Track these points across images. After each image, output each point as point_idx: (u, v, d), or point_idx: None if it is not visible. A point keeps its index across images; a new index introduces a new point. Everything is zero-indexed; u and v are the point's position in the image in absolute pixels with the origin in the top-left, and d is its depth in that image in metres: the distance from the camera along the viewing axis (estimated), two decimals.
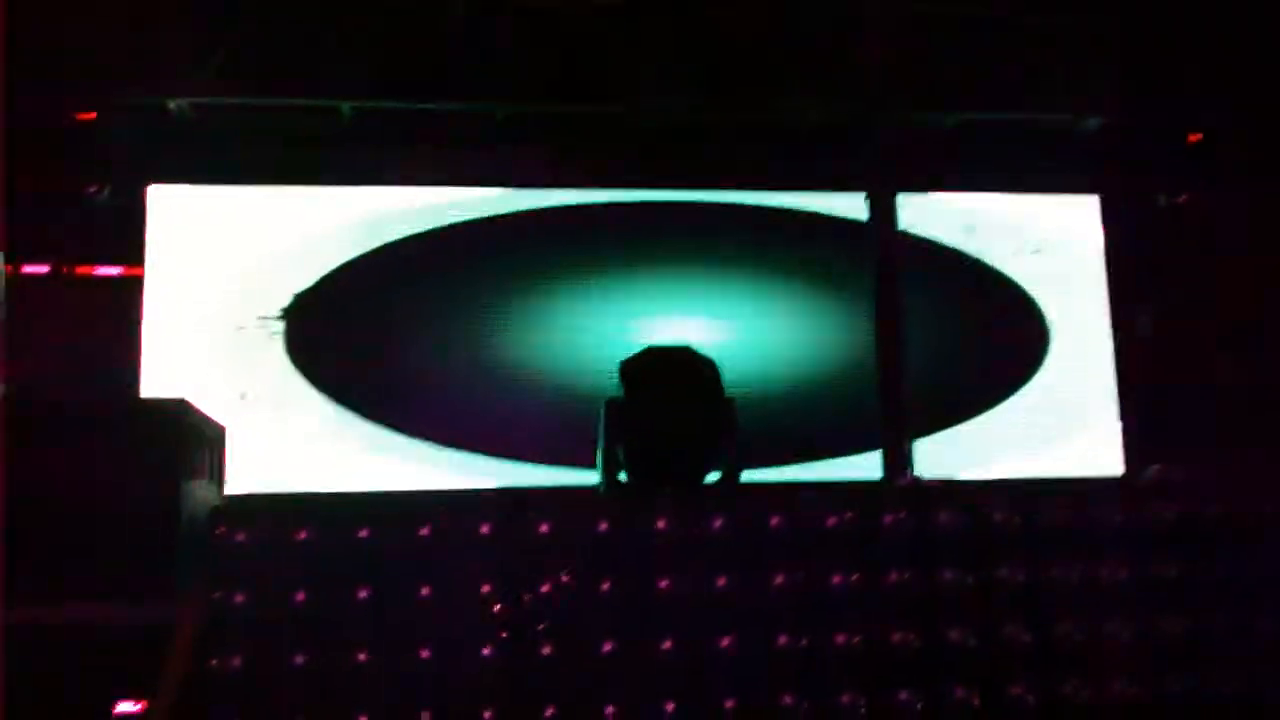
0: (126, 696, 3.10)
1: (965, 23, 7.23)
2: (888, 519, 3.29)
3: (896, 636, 3.21)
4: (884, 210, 6.90)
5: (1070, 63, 7.47)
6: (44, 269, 7.09)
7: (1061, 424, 7.69)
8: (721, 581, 3.24)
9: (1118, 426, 7.68)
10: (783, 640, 3.19)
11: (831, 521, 3.28)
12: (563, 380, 7.14)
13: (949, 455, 7.41)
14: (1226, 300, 7.49)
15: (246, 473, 6.52)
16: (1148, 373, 7.62)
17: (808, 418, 7.29)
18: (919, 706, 3.15)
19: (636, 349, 4.01)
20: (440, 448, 7.14)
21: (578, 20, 7.05)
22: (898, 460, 6.25)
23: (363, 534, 3.22)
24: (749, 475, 4.25)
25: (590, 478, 4.10)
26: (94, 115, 6.86)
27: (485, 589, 3.19)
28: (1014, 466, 7.55)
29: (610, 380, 4.13)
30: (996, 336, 7.77)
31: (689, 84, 7.09)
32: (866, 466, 7.02)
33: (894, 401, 6.65)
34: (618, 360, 4.16)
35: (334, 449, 7.03)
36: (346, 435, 7.06)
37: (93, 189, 6.91)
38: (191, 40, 6.81)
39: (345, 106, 7.16)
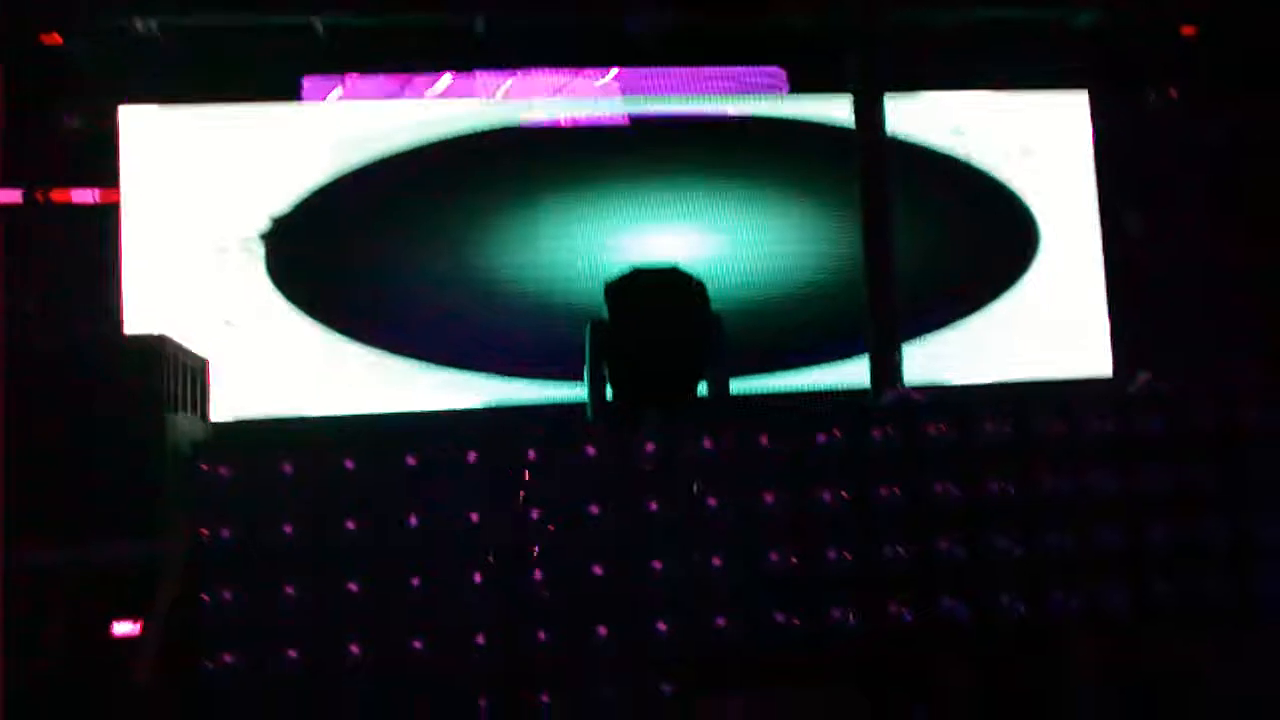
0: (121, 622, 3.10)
1: None
2: (876, 434, 3.28)
3: (886, 551, 3.22)
4: (871, 113, 6.79)
5: None
6: (16, 196, 6.97)
7: (1050, 327, 7.68)
8: (711, 502, 3.23)
9: (1106, 328, 7.66)
10: (773, 558, 3.19)
11: (820, 438, 3.27)
12: (547, 296, 7.09)
13: (937, 361, 7.41)
14: (1217, 199, 7.42)
15: (233, 399, 6.50)
16: (1137, 274, 7.58)
17: (797, 326, 7.25)
18: (907, 619, 3.17)
19: (622, 269, 3.95)
20: (427, 366, 7.11)
21: None
22: (886, 368, 6.24)
23: (348, 464, 3.20)
24: (738, 386, 4.23)
25: (577, 393, 4.08)
26: (59, 38, 6.68)
27: (474, 517, 3.18)
28: (1002, 371, 7.54)
29: (594, 295, 4.09)
30: (985, 239, 7.71)
31: None
32: (856, 374, 7.01)
33: (882, 308, 6.62)
34: (602, 277, 4.11)
35: (320, 371, 6.99)
36: (332, 357, 7.01)
37: (64, 113, 6.76)
38: None
39: (318, 22, 6.98)
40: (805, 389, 7.11)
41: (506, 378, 7.07)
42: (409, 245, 7.13)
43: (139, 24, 6.79)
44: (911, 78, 7.37)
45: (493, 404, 7.06)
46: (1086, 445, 3.30)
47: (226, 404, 6.01)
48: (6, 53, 6.49)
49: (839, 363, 7.25)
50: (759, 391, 6.79)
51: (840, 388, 7.08)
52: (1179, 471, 3.28)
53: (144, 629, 2.95)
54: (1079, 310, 7.67)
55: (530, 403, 7.03)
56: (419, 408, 6.99)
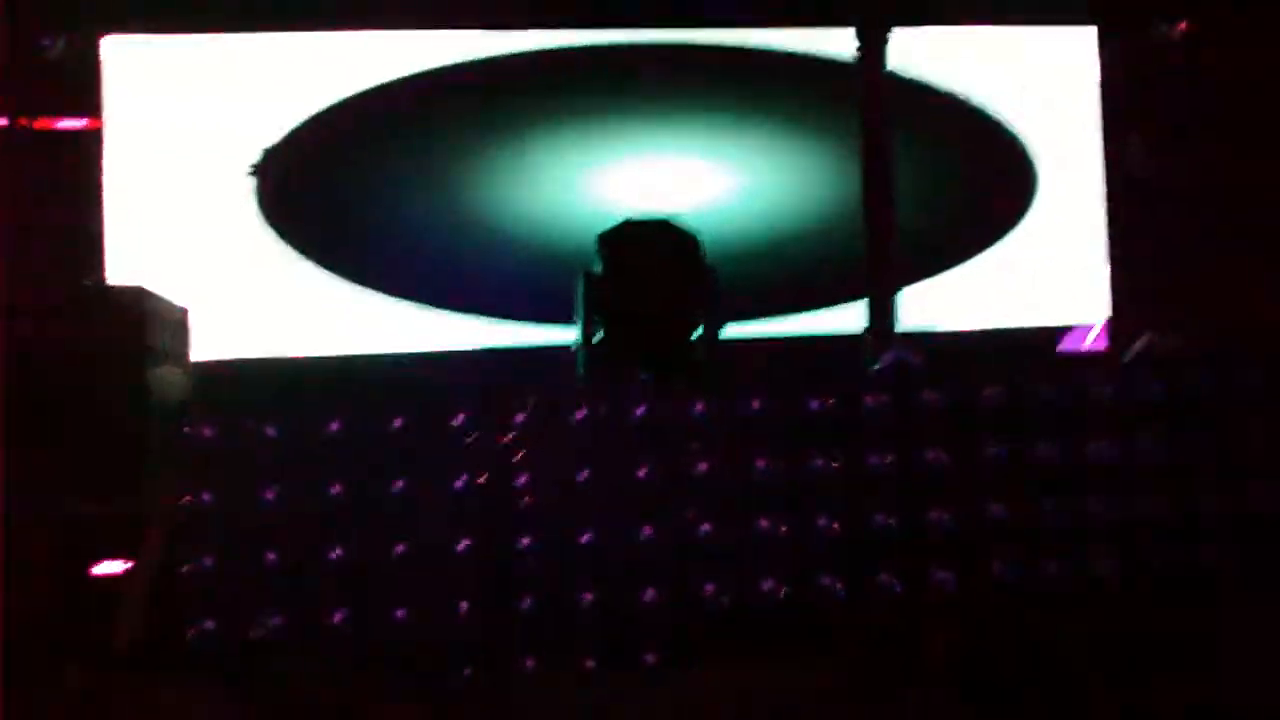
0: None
1: None
2: (869, 401, 3.23)
3: (878, 519, 3.19)
4: (873, 46, 6.62)
5: None
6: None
7: (1049, 268, 7.58)
8: (703, 467, 3.20)
9: (1106, 271, 7.56)
10: (763, 524, 3.17)
11: (814, 405, 3.22)
12: (542, 237, 6.99)
13: (933, 304, 7.33)
14: (1227, 136, 7.26)
15: (221, 338, 6.42)
16: (1140, 214, 7.46)
17: (792, 268, 7.16)
18: (897, 589, 3.15)
19: (615, 220, 3.87)
20: (418, 306, 7.03)
21: None
22: (884, 312, 6.16)
23: (334, 426, 3.16)
24: (733, 331, 4.17)
25: (569, 336, 4.00)
26: None
27: (459, 482, 3.14)
28: (1000, 315, 7.46)
29: (586, 236, 4.01)
30: (984, 178, 7.58)
31: None
32: (851, 319, 6.93)
33: (880, 249, 6.53)
34: (597, 226, 4.03)
35: (310, 309, 6.91)
36: (323, 295, 6.93)
37: (44, 41, 6.58)
38: None
39: None
40: (799, 335, 7.04)
41: (500, 319, 7.00)
42: (401, 181, 7.00)
43: None
44: (913, 11, 7.18)
45: (482, 348, 6.99)
46: (1084, 412, 3.26)
47: (210, 343, 5.95)
48: None
49: (835, 306, 7.17)
50: (752, 338, 6.71)
51: (835, 334, 7.01)
52: (1177, 440, 3.24)
53: (125, 594, 2.92)
54: (1078, 254, 7.57)
55: (521, 345, 6.95)
56: (406, 348, 6.92)
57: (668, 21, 7.21)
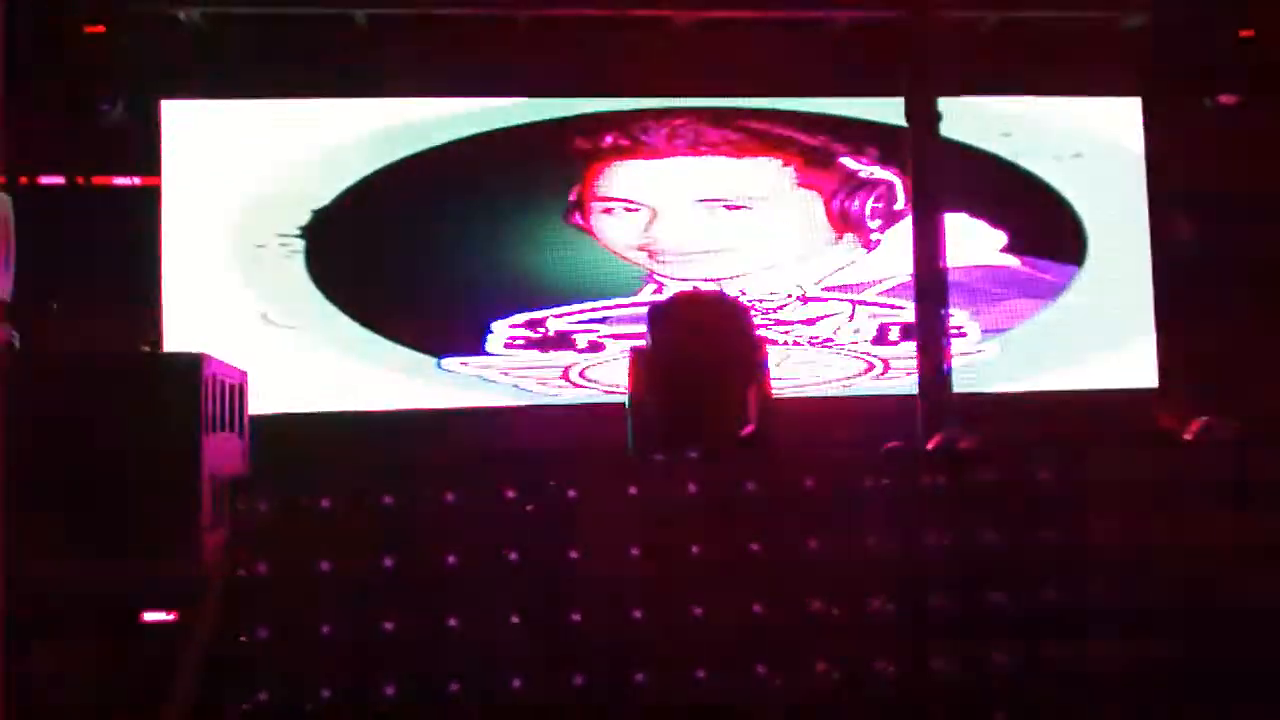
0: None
1: None
2: (926, 481, 3.20)
3: (933, 601, 3.15)
4: (923, 114, 6.61)
5: None
6: (59, 180, 6.97)
7: (1096, 334, 7.55)
8: (755, 547, 3.17)
9: (1153, 338, 7.52)
10: (816, 606, 3.13)
11: (867, 484, 3.20)
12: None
13: (983, 369, 7.31)
14: (1273, 207, 7.22)
15: (270, 394, 6.49)
16: (1186, 282, 7.42)
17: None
18: (954, 672, 3.09)
19: (666, 294, 3.88)
20: (462, 367, 7.07)
21: None
22: (937, 379, 6.10)
23: (387, 500, 3.16)
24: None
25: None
26: (103, 28, 6.65)
27: (512, 556, 3.14)
28: (1048, 380, 7.43)
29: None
30: (1033, 244, 7.58)
31: None
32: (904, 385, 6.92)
33: (932, 315, 6.42)
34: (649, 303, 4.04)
35: (357, 368, 6.97)
36: (369, 354, 6.99)
37: (105, 104, 6.73)
38: None
39: (359, 14, 6.92)
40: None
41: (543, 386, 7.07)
42: (447, 242, 7.08)
43: (181, 15, 6.76)
44: (962, 77, 7.21)
45: (530, 403, 7.03)
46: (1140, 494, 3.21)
47: (264, 398, 6.02)
48: (51, 43, 6.49)
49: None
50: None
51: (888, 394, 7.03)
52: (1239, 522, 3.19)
53: (179, 663, 2.92)
54: (1126, 319, 7.53)
55: (566, 402, 6.99)
56: (452, 405, 6.97)
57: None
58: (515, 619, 3.06)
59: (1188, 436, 3.53)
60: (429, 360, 7.03)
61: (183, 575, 3.33)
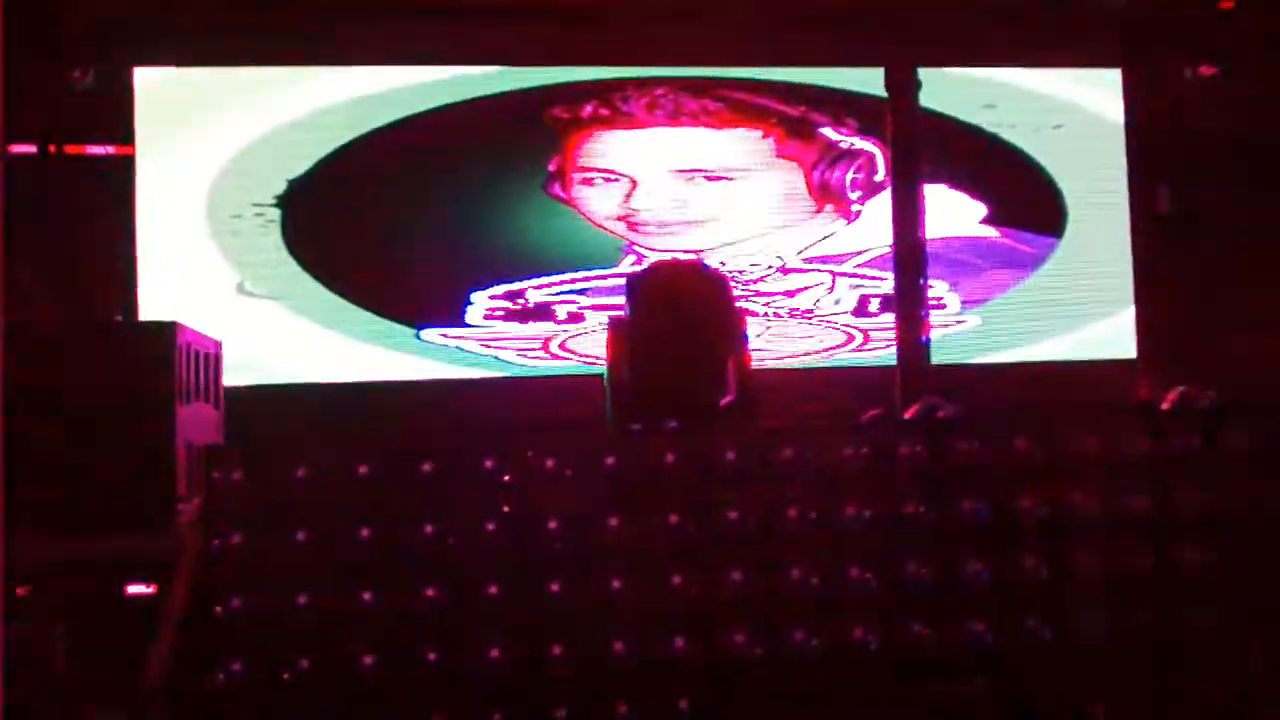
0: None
1: None
2: (903, 450, 3.20)
3: (910, 570, 3.15)
4: (903, 85, 6.59)
5: None
6: (31, 149, 6.88)
7: (1076, 306, 7.57)
8: (732, 516, 3.16)
9: (1131, 309, 7.55)
10: (795, 575, 3.12)
11: (847, 453, 3.19)
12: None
13: (962, 340, 7.33)
14: (1254, 178, 7.24)
15: (247, 365, 6.45)
16: (1165, 253, 7.44)
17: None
18: (933, 641, 3.10)
19: (644, 263, 3.85)
20: (441, 338, 7.04)
21: None
22: (916, 350, 6.12)
23: (362, 470, 3.13)
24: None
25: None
26: None
27: (490, 527, 3.12)
28: (1028, 351, 7.46)
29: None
30: (1014, 216, 7.59)
31: None
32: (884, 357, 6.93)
33: (911, 286, 6.44)
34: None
35: (335, 339, 6.92)
36: (345, 323, 6.94)
37: (77, 72, 6.64)
38: None
39: None
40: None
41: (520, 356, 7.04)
42: (426, 212, 7.03)
43: None
44: (943, 48, 7.18)
45: (507, 374, 7.00)
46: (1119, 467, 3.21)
47: (241, 369, 5.98)
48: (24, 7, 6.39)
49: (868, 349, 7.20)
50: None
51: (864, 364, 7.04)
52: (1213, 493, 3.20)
53: (155, 637, 2.90)
54: (1105, 290, 7.56)
55: (544, 372, 6.97)
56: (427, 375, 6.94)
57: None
58: (493, 590, 3.04)
59: (1165, 406, 3.53)
60: (408, 331, 7.00)
61: (158, 546, 3.29)
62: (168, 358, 3.42)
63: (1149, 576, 3.07)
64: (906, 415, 3.59)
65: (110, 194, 6.74)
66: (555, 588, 3.06)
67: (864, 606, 3.08)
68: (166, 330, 3.49)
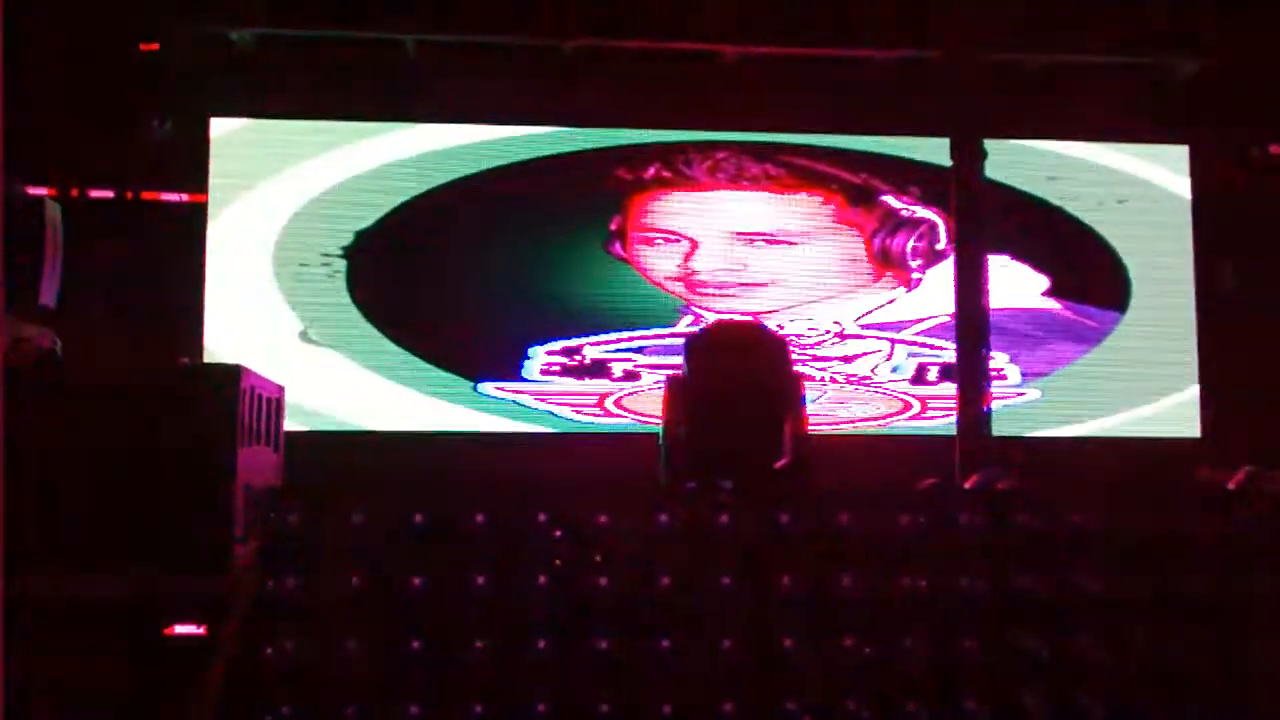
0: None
1: None
2: (963, 519, 3.17)
3: (967, 643, 3.10)
4: (969, 155, 6.59)
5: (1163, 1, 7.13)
6: (109, 194, 7.06)
7: (1139, 381, 7.46)
8: (785, 580, 3.14)
9: (1195, 386, 7.42)
10: (846, 643, 3.09)
11: (903, 520, 3.16)
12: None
13: (1023, 413, 7.25)
14: None
15: (308, 411, 6.54)
16: (1230, 329, 7.33)
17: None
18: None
19: (702, 324, 3.87)
20: (499, 391, 7.08)
21: None
22: (976, 420, 6.06)
23: (417, 519, 3.16)
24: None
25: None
26: (156, 46, 6.76)
27: (541, 580, 3.12)
28: (1089, 426, 7.35)
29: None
30: (1077, 289, 7.52)
31: (768, 27, 6.89)
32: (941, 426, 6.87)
33: (973, 356, 6.37)
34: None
35: (394, 389, 6.99)
36: (403, 373, 7.02)
37: (155, 120, 6.83)
38: None
39: (409, 40, 7.00)
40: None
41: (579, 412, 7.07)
42: (488, 266, 7.11)
43: (233, 36, 6.87)
44: (1008, 120, 7.18)
45: (560, 429, 7.02)
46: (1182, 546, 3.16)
47: (301, 415, 6.05)
48: (105, 60, 6.63)
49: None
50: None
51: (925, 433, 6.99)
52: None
53: (205, 676, 2.92)
54: (1169, 366, 7.45)
55: (599, 429, 6.98)
56: (487, 429, 6.99)
57: None
58: (542, 644, 3.04)
59: (1231, 487, 3.46)
60: (466, 384, 7.06)
61: (213, 587, 3.32)
62: (232, 400, 3.46)
63: (1210, 657, 3.00)
64: (967, 485, 3.56)
65: (183, 240, 6.89)
66: (604, 644, 3.05)
67: (917, 677, 3.03)
68: (231, 373, 3.54)
